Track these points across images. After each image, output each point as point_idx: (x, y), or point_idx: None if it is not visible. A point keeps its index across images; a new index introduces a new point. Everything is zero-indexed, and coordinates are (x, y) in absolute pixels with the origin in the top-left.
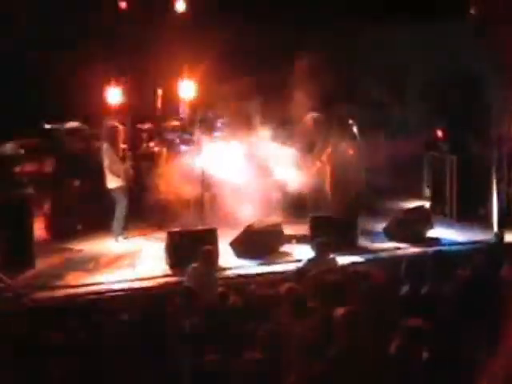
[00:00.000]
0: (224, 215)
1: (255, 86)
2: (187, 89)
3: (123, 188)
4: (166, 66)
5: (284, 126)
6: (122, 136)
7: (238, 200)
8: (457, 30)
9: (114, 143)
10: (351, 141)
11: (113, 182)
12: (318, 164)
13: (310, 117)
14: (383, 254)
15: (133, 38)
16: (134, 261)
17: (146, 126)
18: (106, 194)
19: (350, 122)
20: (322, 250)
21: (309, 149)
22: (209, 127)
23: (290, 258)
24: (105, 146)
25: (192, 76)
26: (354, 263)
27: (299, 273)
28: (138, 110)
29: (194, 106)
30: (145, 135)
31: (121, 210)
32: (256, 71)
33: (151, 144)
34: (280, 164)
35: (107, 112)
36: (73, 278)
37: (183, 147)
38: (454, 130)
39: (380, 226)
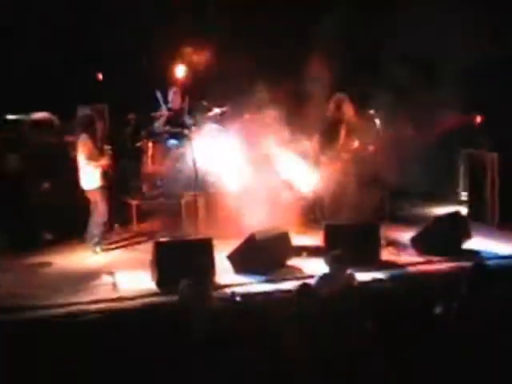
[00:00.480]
0: (221, 222)
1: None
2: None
3: (102, 189)
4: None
5: (296, 115)
6: (100, 128)
7: (238, 204)
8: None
9: (91, 136)
10: (373, 134)
11: (90, 183)
12: (341, 160)
13: (337, 98)
14: (411, 270)
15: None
16: (114, 277)
17: (130, 116)
18: (81, 197)
19: (372, 112)
20: (337, 264)
21: (330, 140)
22: (203, 117)
23: (299, 275)
24: (80, 139)
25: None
26: (375, 280)
27: (309, 292)
28: (120, 98)
29: (185, 93)
30: (128, 128)
31: (99, 215)
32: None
33: (135, 138)
34: (291, 161)
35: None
36: (41, 299)
37: (173, 142)
38: (494, 122)
39: (407, 236)
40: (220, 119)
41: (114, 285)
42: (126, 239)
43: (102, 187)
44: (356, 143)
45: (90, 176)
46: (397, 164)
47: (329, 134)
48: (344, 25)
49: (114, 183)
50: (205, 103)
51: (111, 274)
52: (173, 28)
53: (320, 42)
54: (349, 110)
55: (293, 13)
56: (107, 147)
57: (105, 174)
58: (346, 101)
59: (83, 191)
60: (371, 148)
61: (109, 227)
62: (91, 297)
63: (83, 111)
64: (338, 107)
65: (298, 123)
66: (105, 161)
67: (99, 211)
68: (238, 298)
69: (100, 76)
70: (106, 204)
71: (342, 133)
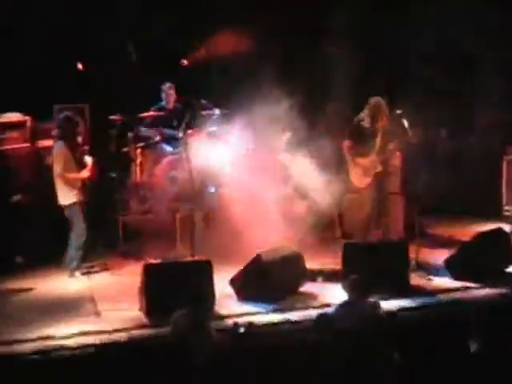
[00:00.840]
0: (222, 241)
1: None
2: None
3: (82, 205)
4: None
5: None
6: (81, 132)
7: (242, 220)
8: None
9: (69, 143)
10: (401, 139)
11: (67, 197)
12: (379, 167)
13: (374, 105)
14: (445, 297)
15: None
16: (96, 305)
17: (115, 117)
18: (57, 214)
19: (399, 112)
20: (358, 290)
21: (364, 150)
22: (200, 119)
23: (313, 303)
24: (56, 147)
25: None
26: (403, 309)
27: (325, 322)
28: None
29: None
30: (112, 130)
31: (78, 234)
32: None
33: (121, 143)
34: (306, 166)
35: None
36: (11, 332)
37: (166, 147)
38: None
39: (441, 257)
40: (221, 121)
41: (96, 315)
42: (110, 261)
43: (80, 203)
44: (391, 146)
45: (67, 190)
46: (427, 173)
47: (363, 144)
48: (367, 21)
49: (95, 197)
50: (204, 102)
51: (92, 301)
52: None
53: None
54: (385, 117)
55: (304, 11)
56: (88, 158)
57: (84, 188)
58: (383, 107)
59: (60, 207)
60: (398, 154)
61: (90, 248)
62: (68, 329)
63: (63, 113)
64: (375, 115)
65: (318, 122)
66: (85, 173)
67: (77, 230)
68: (241, 330)
69: (80, 66)
70: (85, 221)
71: (378, 141)
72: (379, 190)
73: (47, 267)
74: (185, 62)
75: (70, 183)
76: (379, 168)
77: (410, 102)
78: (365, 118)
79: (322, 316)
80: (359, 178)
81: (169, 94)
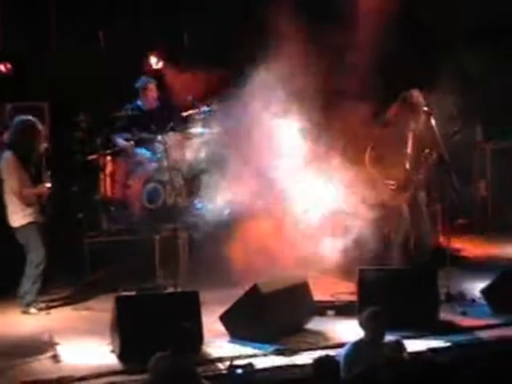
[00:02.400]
0: (212, 267)
1: None
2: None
3: (37, 226)
4: None
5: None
6: (40, 138)
7: (236, 242)
8: None
9: (22, 153)
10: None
11: (20, 218)
12: (417, 177)
13: (411, 95)
14: (484, 335)
15: None
16: (56, 349)
17: (79, 118)
18: (8, 237)
19: (426, 108)
20: (376, 326)
21: (394, 160)
22: (182, 119)
23: (322, 342)
24: (4, 157)
25: None
26: (433, 350)
27: (330, 368)
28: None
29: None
30: (77, 134)
31: (34, 262)
32: None
33: (88, 148)
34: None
35: None
36: None
37: (142, 152)
38: None
39: (477, 287)
40: (207, 120)
41: (56, 360)
42: (74, 294)
43: (35, 223)
44: (434, 155)
45: (20, 208)
46: (461, 183)
47: (392, 151)
48: None
49: (55, 216)
50: (190, 98)
51: (51, 344)
52: None
53: None
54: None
55: None
56: (45, 168)
57: (40, 206)
58: (419, 102)
59: (11, 229)
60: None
61: (49, 277)
62: (21, 377)
63: (19, 115)
64: (411, 113)
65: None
66: (42, 188)
67: (34, 256)
68: (238, 371)
69: (7, 66)
70: (42, 246)
71: (410, 147)
72: (414, 207)
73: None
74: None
75: (24, 201)
76: (417, 179)
77: (440, 95)
78: (391, 118)
79: (322, 360)
80: (391, 195)
81: (147, 92)
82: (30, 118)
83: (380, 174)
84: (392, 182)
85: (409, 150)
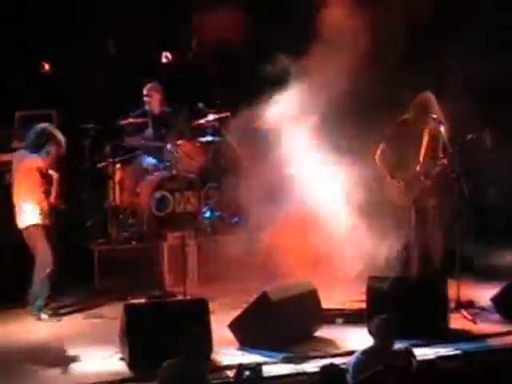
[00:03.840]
0: (221, 276)
1: None
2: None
3: (47, 229)
4: None
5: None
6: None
7: (245, 250)
8: None
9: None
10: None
11: (29, 219)
12: (424, 182)
13: (423, 98)
14: (494, 343)
15: None
16: (67, 356)
17: (88, 126)
18: (17, 240)
19: (434, 116)
20: (386, 334)
21: (404, 154)
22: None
23: (331, 350)
24: (21, 156)
25: None
26: (443, 358)
27: (337, 377)
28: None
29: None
30: (85, 141)
31: (42, 265)
32: None
33: (96, 156)
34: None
35: None
36: None
37: (150, 161)
38: None
39: (488, 294)
40: (218, 128)
41: (67, 367)
42: (83, 301)
43: (46, 226)
44: (444, 161)
45: (28, 210)
46: (472, 191)
47: (403, 152)
48: None
49: (65, 223)
50: (201, 106)
51: (62, 351)
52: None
53: None
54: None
55: None
56: (55, 172)
57: (50, 210)
58: (432, 104)
59: (20, 231)
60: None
61: (60, 285)
62: None
63: (38, 124)
64: (421, 115)
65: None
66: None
67: (41, 257)
68: (246, 374)
69: (46, 66)
70: (49, 249)
71: (423, 149)
72: (421, 214)
73: (7, 308)
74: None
75: (33, 202)
76: (425, 183)
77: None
78: (408, 118)
79: (327, 368)
80: (398, 195)
81: (152, 96)
82: (46, 125)
83: (388, 171)
84: (399, 181)
85: (422, 151)
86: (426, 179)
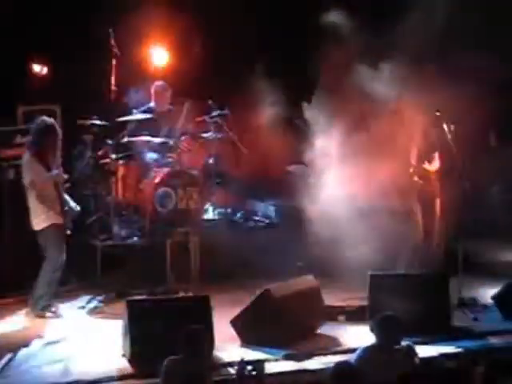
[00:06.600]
0: (223, 272)
1: None
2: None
3: (60, 229)
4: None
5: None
6: (58, 142)
7: (248, 246)
8: None
9: (44, 154)
10: (441, 146)
11: (42, 221)
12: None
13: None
14: (495, 341)
15: None
16: (70, 352)
17: (90, 121)
18: (28, 241)
19: (438, 113)
20: (387, 332)
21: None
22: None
23: (333, 347)
24: (26, 158)
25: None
26: (444, 355)
27: (350, 374)
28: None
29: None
30: (89, 138)
31: (52, 266)
32: None
33: (100, 153)
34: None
35: None
36: None
37: (154, 158)
38: None
39: (488, 292)
40: (219, 125)
41: (69, 363)
42: (86, 297)
43: (59, 226)
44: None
45: (40, 211)
46: (473, 189)
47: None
48: None
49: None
50: (210, 102)
51: (63, 347)
52: None
53: None
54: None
55: None
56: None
57: (61, 206)
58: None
59: (33, 232)
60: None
61: (61, 281)
62: (34, 381)
63: (40, 118)
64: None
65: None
66: (58, 175)
67: (50, 260)
68: (248, 369)
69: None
70: (62, 251)
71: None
72: (429, 212)
73: (8, 303)
74: None
75: (45, 204)
76: (417, 181)
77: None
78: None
79: (341, 366)
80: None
81: (161, 95)
82: (50, 120)
83: (420, 171)
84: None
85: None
86: (436, 178)
